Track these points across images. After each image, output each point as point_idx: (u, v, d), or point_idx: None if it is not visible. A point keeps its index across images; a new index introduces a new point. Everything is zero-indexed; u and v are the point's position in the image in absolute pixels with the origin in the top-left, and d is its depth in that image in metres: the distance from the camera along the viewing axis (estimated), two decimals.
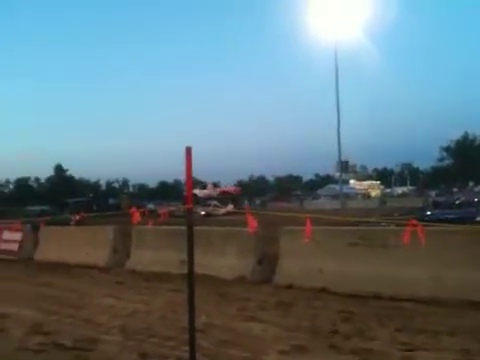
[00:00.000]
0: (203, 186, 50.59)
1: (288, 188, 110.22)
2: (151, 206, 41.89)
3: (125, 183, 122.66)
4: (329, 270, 7.52)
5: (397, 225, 7.81)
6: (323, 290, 7.24)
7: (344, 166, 51.31)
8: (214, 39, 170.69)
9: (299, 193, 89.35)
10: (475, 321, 5.55)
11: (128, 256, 10.92)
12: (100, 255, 11.26)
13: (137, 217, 7.88)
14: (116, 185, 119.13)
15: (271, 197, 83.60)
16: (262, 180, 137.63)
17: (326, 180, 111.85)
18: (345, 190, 55.36)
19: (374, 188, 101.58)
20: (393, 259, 7.00)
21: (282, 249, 8.37)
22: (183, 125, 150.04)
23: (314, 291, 7.24)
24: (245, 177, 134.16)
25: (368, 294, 6.75)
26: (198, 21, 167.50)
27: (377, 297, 6.66)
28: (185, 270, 4.15)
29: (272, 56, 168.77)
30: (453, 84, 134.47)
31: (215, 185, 44.29)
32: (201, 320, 5.44)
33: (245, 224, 6.28)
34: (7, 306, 7.27)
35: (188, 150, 4.00)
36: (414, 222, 5.07)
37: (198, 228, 4.41)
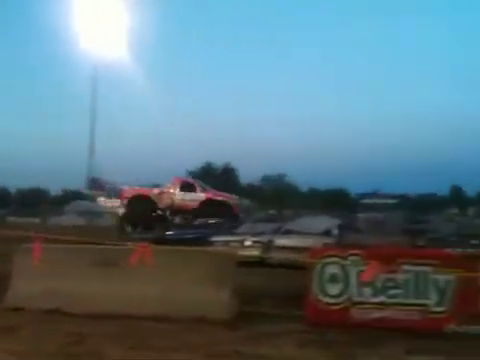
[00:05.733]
0: None
1: (33, 202, 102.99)
2: None
3: None
4: (63, 290, 7.28)
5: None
6: (56, 311, 6.98)
7: (93, 182, 50.47)
8: None
9: (44, 208, 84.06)
10: (204, 336, 5.98)
11: None
12: None
13: None
14: None
15: (12, 210, 76.42)
16: (3, 192, 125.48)
17: (75, 196, 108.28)
18: (94, 208, 54.40)
19: None
20: (126, 278, 7.15)
21: (16, 269, 7.82)
22: None
23: (46, 313, 6.92)
24: None
25: (103, 314, 6.74)
26: None
27: (112, 317, 6.67)
28: None
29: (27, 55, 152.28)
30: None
31: None
32: None
33: None
34: None
35: None
36: (144, 245, 5.34)
37: None
